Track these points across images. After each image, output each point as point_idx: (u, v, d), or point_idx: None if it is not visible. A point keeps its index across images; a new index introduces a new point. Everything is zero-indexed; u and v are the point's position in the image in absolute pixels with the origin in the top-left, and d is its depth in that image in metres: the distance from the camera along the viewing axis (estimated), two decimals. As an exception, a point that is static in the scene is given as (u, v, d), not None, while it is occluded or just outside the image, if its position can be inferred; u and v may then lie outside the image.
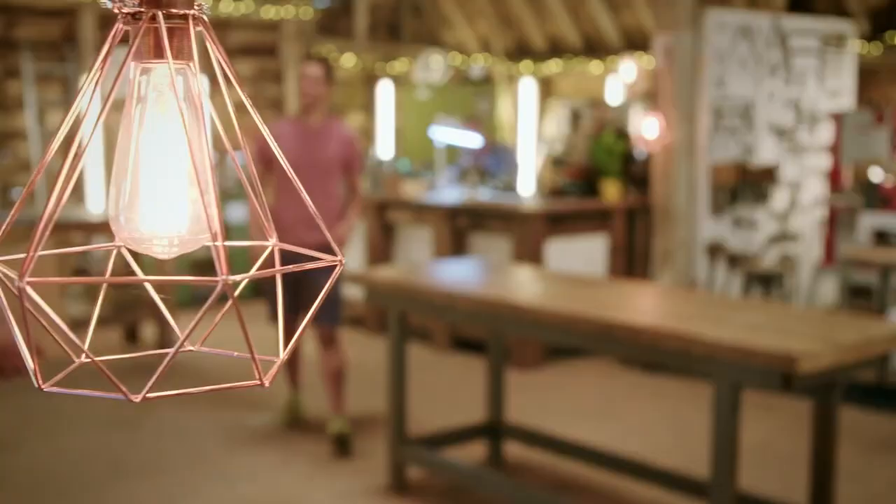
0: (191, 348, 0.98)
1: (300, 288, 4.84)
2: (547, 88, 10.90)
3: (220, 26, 9.74)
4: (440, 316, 4.43)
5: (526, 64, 10.71)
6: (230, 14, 9.54)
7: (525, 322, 3.92)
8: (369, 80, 10.93)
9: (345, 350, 5.34)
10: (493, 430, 4.98)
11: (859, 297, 8.24)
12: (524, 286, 4.33)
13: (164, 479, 4.78)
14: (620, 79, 7.84)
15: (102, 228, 6.98)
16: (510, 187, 7.75)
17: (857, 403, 6.01)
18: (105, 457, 5.04)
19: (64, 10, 8.75)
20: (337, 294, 5.16)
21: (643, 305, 3.88)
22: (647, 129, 7.33)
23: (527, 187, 8.97)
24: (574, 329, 3.72)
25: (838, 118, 7.56)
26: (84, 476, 4.80)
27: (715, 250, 7.60)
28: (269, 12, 9.84)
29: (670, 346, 3.40)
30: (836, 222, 7.64)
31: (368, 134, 10.93)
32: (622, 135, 7.46)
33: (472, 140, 8.05)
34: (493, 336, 4.90)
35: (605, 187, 7.31)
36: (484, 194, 7.52)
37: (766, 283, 7.28)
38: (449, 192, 7.62)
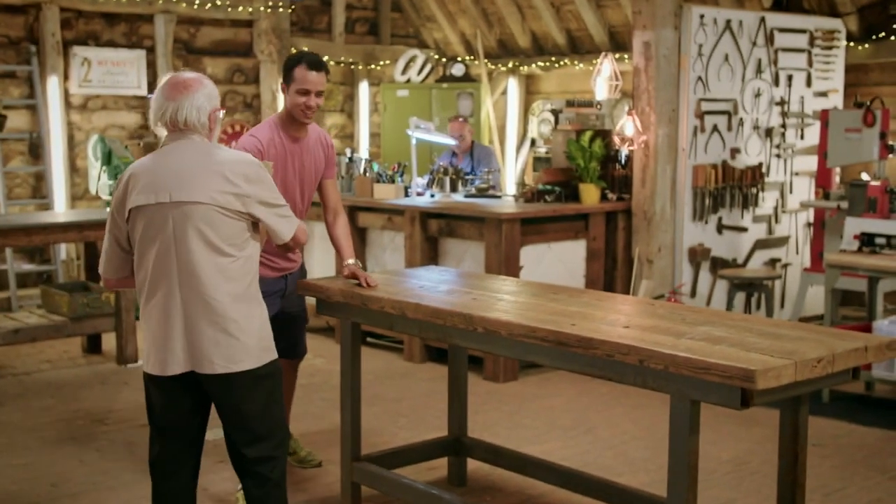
0: None
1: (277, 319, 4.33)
2: (531, 87, 10.66)
3: (190, 23, 9.51)
4: (392, 327, 4.17)
5: (509, 63, 10.47)
6: (199, 10, 9.30)
7: (478, 334, 3.68)
8: (348, 80, 10.69)
9: None
10: (456, 446, 4.73)
11: (851, 303, 8.00)
12: (484, 296, 4.07)
13: (107, 497, 4.53)
14: (603, 77, 7.61)
15: (67, 230, 6.75)
16: (488, 190, 7.50)
17: (844, 414, 5.77)
18: (47, 475, 4.80)
19: (26, 6, 8.51)
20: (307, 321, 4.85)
21: (605, 317, 3.63)
22: (626, 129, 7.09)
23: (505, 190, 8.73)
24: (528, 342, 3.48)
25: (826, 119, 7.30)
26: (23, 496, 4.55)
27: (698, 256, 7.35)
28: (242, 9, 9.60)
29: (626, 361, 3.16)
30: (824, 226, 7.38)
31: (347, 135, 10.70)
32: (602, 135, 7.21)
33: (448, 140, 7.82)
34: (453, 348, 4.66)
35: (583, 190, 7.06)
36: (460, 197, 7.28)
37: (751, 289, 7.03)
38: (423, 195, 7.38)
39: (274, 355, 3.37)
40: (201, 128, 3.26)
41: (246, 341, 3.24)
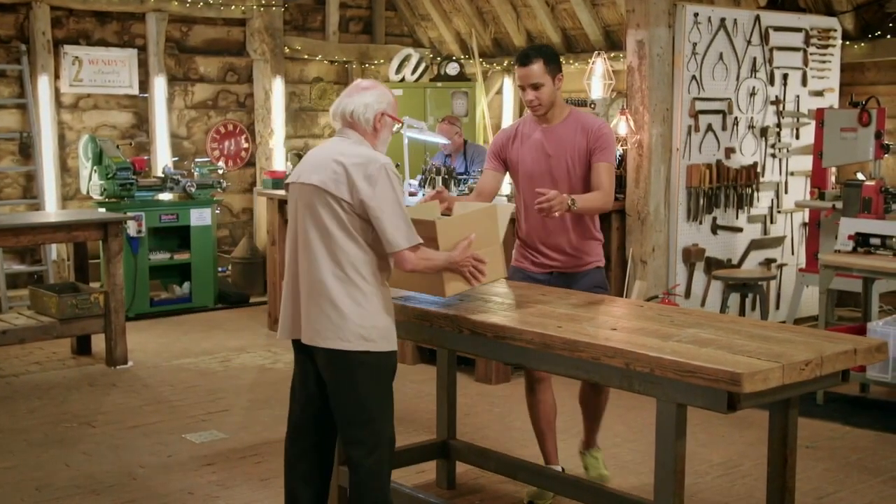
0: None
1: None
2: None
3: (183, 22, 9.45)
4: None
5: (504, 62, 10.41)
6: (191, 8, 9.24)
7: (464, 336, 3.63)
8: (342, 79, 10.63)
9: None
10: (444, 449, 4.68)
11: (847, 304, 7.95)
12: (472, 298, 4.01)
13: (92, 501, 4.47)
14: (596, 76, 7.55)
15: (56, 230, 6.70)
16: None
17: (839, 416, 5.72)
18: (32, 478, 4.74)
19: (17, 4, 8.44)
20: None
21: (593, 318, 3.58)
22: (619, 128, 7.03)
23: (500, 190, 8.65)
24: (514, 344, 3.43)
25: (821, 119, 7.24)
26: (7, 499, 4.50)
27: (692, 256, 7.30)
28: (235, 7, 9.54)
29: (612, 364, 3.10)
30: (820, 226, 7.32)
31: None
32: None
33: (441, 139, 7.75)
34: (442, 351, 4.59)
35: (577, 190, 6.99)
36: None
37: (745, 290, 6.96)
38: (416, 195, 7.31)
39: (377, 347, 3.44)
40: (365, 123, 3.52)
41: (339, 322, 3.39)
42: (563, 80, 4.36)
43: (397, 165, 7.69)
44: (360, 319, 3.41)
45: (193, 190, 8.50)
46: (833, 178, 7.46)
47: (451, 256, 3.64)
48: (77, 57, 8.73)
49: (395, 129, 3.67)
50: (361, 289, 3.42)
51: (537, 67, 4.26)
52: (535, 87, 4.27)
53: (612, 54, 8.84)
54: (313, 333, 3.45)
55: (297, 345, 3.59)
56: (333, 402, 3.53)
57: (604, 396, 4.69)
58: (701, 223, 7.35)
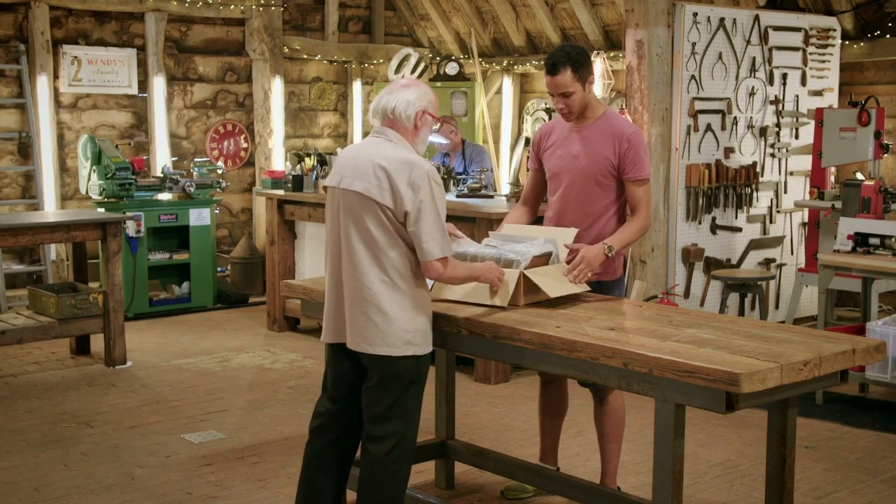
0: None
1: None
2: (525, 86, 10.60)
3: (182, 21, 9.44)
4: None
5: (503, 61, 10.41)
6: (190, 8, 9.23)
7: (462, 336, 3.63)
8: (342, 79, 10.62)
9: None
10: (443, 449, 4.67)
11: (847, 304, 7.95)
12: (469, 298, 4.01)
13: (90, 502, 4.47)
14: (597, 76, 7.53)
15: (55, 230, 6.68)
16: (480, 190, 7.44)
17: (838, 416, 5.72)
18: (30, 479, 4.74)
19: (16, 4, 8.44)
20: None
21: (591, 318, 3.58)
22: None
23: (500, 189, 8.67)
24: (512, 345, 3.42)
25: (821, 118, 7.24)
26: (5, 500, 4.49)
27: (692, 256, 7.29)
28: (234, 7, 9.53)
29: (611, 364, 3.10)
30: (819, 226, 7.32)
31: (341, 135, 10.65)
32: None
33: (438, 139, 7.75)
34: (440, 351, 4.59)
35: (576, 190, 6.99)
36: (452, 197, 7.21)
37: (744, 290, 6.96)
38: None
39: (421, 350, 3.51)
40: (406, 121, 3.50)
41: (386, 329, 3.43)
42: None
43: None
44: (405, 324, 3.46)
45: (192, 190, 8.49)
46: (832, 178, 7.46)
47: (477, 268, 3.67)
48: (76, 57, 8.72)
49: (434, 128, 3.65)
50: (405, 292, 3.47)
51: (566, 76, 4.02)
52: (565, 95, 4.05)
53: (612, 54, 8.84)
54: (360, 340, 3.48)
55: (338, 346, 3.63)
56: (370, 399, 3.56)
57: (611, 420, 4.32)
58: (700, 223, 7.34)
